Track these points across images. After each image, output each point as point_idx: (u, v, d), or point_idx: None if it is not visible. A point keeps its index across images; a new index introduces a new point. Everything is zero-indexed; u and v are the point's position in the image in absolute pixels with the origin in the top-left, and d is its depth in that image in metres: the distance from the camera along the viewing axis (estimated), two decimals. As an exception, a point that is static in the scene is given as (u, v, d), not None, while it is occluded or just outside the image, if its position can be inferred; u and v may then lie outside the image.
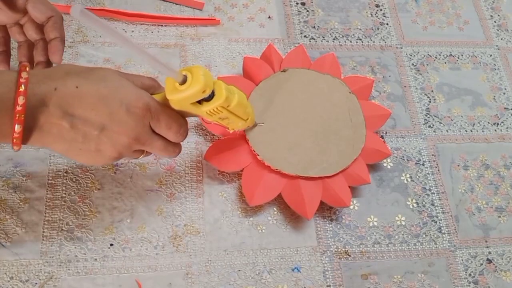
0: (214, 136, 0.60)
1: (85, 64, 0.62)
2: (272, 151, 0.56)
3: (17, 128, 0.38)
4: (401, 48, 0.71)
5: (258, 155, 0.56)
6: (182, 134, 0.45)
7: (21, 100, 0.37)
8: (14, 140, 0.38)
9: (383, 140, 0.61)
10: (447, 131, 0.66)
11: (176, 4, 0.68)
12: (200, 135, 0.60)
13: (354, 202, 0.59)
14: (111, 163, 0.42)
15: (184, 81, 0.40)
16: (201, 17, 0.68)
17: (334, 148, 0.58)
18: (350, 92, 0.61)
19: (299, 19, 0.71)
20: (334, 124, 0.59)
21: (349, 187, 0.56)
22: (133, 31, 0.65)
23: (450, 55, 0.72)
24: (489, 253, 0.59)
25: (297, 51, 0.64)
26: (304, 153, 0.57)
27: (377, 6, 0.74)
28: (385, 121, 0.61)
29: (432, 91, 0.68)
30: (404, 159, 0.63)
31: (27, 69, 0.39)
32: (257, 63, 0.62)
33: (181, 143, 0.47)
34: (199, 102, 0.43)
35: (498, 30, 0.75)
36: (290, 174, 0.55)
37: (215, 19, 0.67)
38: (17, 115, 0.37)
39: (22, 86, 0.38)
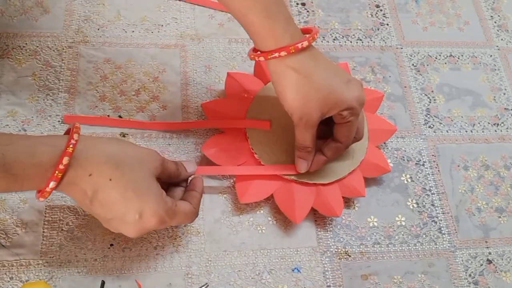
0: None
1: (84, 64, 0.62)
2: (270, 151, 0.56)
3: (52, 184, 0.39)
4: (401, 48, 0.71)
5: (256, 154, 0.56)
6: (193, 220, 0.49)
7: (65, 160, 0.39)
8: (45, 193, 0.40)
9: (384, 155, 0.60)
10: (447, 131, 0.66)
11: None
12: (200, 136, 0.60)
13: (354, 202, 0.59)
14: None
15: None
16: None
17: None
18: None
19: (299, 20, 0.71)
20: None
21: (342, 197, 0.56)
22: (133, 31, 0.65)
23: (450, 55, 0.72)
24: (489, 253, 0.59)
25: None
26: None
27: (377, 6, 0.74)
28: (390, 136, 0.61)
29: (432, 91, 0.68)
30: (404, 160, 0.63)
31: (79, 131, 0.41)
32: None
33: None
34: None
35: (498, 31, 0.75)
36: (285, 177, 0.55)
37: None
38: (56, 172, 0.39)
39: (70, 146, 0.40)
